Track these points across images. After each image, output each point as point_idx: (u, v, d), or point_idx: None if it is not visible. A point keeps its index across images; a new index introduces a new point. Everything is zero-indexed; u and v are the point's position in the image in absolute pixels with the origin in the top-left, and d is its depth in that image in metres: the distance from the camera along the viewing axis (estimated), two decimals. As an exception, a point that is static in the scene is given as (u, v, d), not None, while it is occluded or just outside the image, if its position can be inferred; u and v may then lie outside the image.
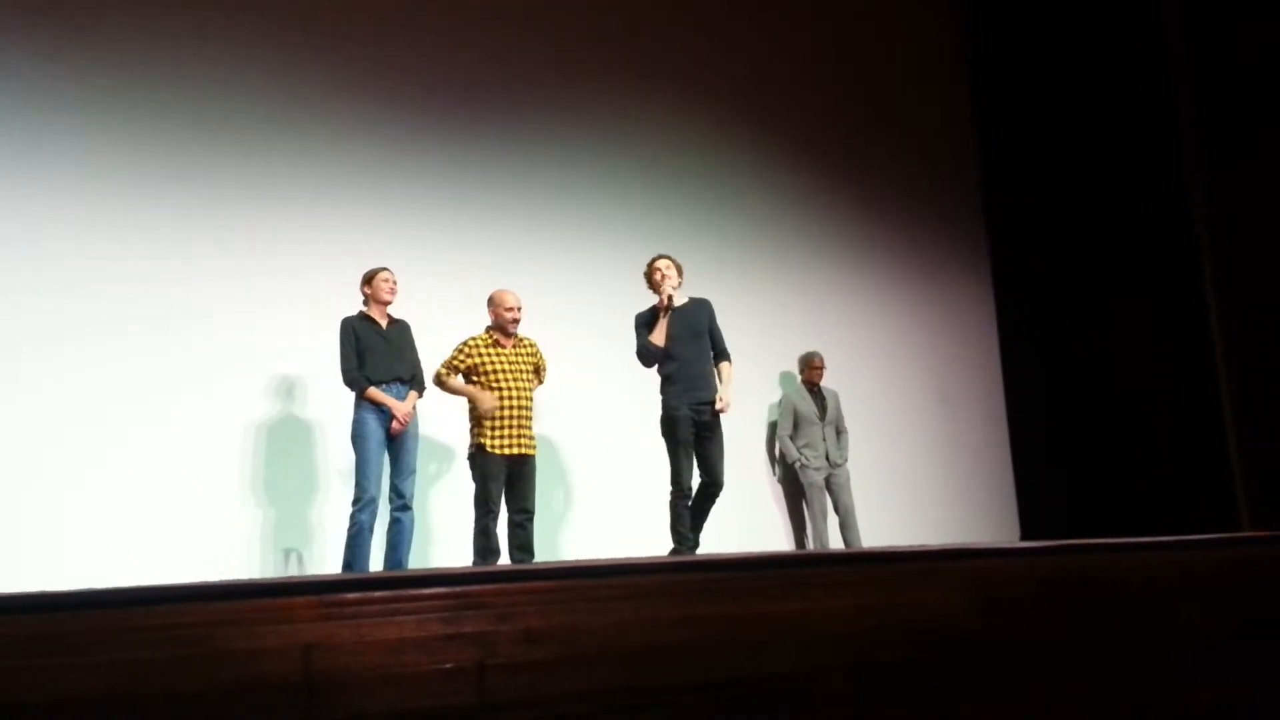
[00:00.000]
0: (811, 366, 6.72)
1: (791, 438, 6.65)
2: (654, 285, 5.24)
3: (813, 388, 6.72)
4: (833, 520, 6.54)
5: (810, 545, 6.54)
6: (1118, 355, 7.18)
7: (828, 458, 6.58)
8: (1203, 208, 6.61)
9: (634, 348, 5.22)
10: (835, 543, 6.48)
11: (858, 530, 6.45)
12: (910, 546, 6.23)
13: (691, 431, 5.09)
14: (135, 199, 5.42)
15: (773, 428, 6.93)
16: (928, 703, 2.45)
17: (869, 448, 6.84)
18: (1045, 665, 2.61)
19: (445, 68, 6.37)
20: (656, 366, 5.17)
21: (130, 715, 1.82)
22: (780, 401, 6.82)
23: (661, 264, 5.23)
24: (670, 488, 5.09)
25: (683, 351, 5.12)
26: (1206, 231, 6.60)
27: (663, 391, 5.15)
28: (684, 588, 2.34)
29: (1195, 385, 6.70)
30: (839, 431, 6.69)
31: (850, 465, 6.63)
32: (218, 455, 5.40)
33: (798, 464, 6.59)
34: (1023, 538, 7.43)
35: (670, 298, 5.14)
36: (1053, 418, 7.49)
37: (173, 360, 5.32)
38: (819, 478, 6.56)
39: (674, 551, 5.06)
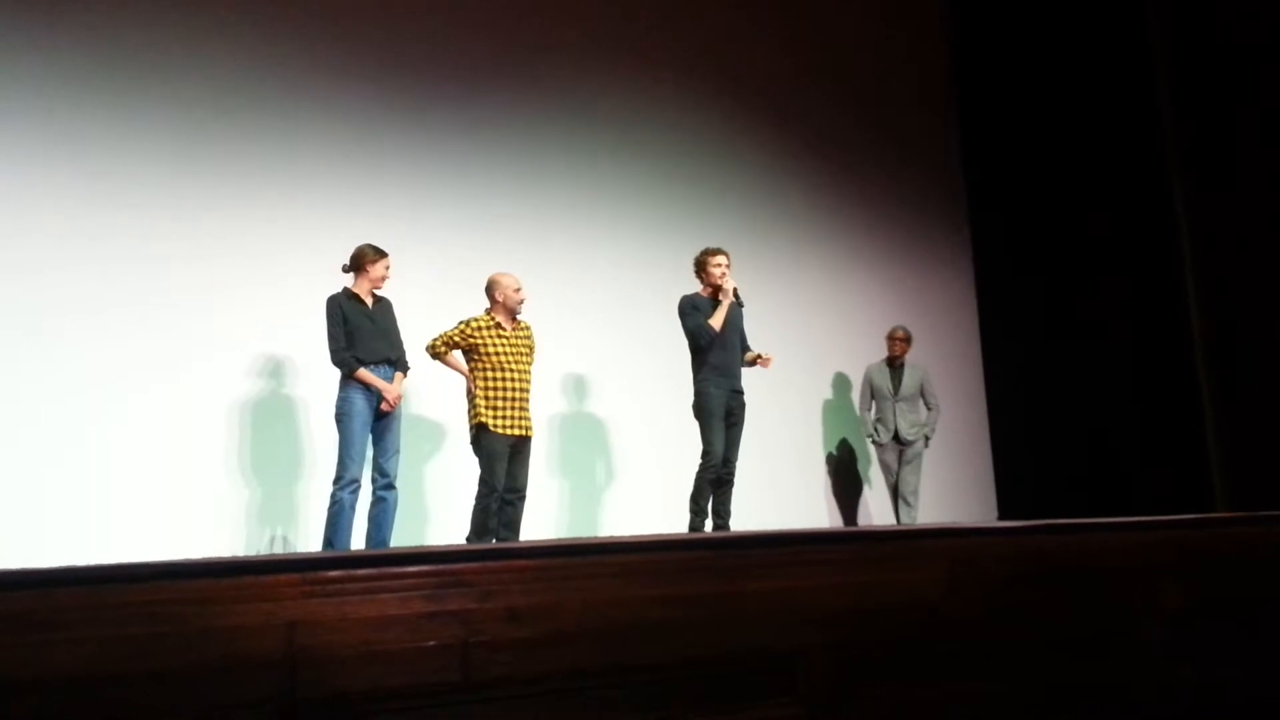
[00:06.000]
0: (890, 338, 6.78)
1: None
2: (713, 278, 5.47)
3: (891, 362, 6.75)
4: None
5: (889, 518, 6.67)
6: (1096, 337, 7.24)
7: (897, 434, 6.61)
8: (1182, 193, 6.64)
9: (683, 326, 5.43)
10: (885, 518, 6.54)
11: (914, 512, 6.52)
12: (890, 526, 6.28)
13: (725, 413, 5.38)
14: (118, 178, 5.34)
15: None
16: (907, 680, 2.48)
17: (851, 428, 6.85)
18: (1023, 644, 2.64)
19: (438, 50, 6.28)
20: (700, 352, 5.41)
21: (110, 693, 1.81)
22: (865, 375, 6.90)
23: (722, 259, 5.49)
24: (701, 461, 5.32)
25: (725, 343, 5.42)
26: (1185, 216, 6.64)
27: (702, 374, 5.40)
28: (667, 566, 2.35)
29: (1172, 367, 6.76)
30: (917, 407, 6.68)
31: (865, 445, 6.73)
32: (200, 434, 5.35)
33: (870, 439, 6.73)
34: (1000, 517, 7.50)
35: (736, 290, 5.45)
36: (1031, 398, 7.54)
37: (155, 339, 5.27)
38: (883, 454, 6.69)
39: (691, 524, 5.28)
